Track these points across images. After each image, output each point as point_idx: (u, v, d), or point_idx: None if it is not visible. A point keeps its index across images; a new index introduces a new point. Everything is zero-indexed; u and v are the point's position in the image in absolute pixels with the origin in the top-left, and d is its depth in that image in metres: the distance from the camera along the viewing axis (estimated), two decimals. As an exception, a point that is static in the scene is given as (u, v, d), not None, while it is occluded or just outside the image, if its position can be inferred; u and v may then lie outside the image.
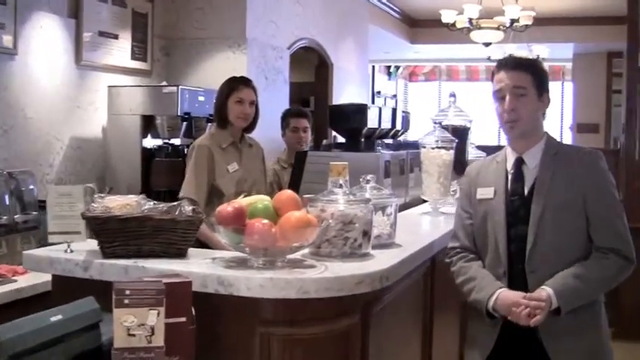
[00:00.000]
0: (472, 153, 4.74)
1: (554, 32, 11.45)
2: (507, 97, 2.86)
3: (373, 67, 15.24)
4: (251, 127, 4.39)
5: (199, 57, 6.68)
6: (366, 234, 2.53)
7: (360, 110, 4.11)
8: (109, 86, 5.80)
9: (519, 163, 2.97)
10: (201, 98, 5.73)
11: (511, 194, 2.95)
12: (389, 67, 16.92)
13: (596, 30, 11.43)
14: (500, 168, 3.02)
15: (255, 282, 2.18)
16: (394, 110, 4.58)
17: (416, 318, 3.25)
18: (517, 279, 2.88)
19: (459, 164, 4.19)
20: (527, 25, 8.28)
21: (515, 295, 2.79)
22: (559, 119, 16.24)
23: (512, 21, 8.09)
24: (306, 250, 2.46)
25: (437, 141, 3.91)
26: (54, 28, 5.38)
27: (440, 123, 4.04)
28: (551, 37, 11.41)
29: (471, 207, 3.07)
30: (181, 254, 2.46)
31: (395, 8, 11.75)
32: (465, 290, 2.99)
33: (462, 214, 3.12)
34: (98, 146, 5.84)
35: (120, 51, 6.06)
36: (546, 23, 10.36)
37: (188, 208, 2.52)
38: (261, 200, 2.42)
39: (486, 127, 15.86)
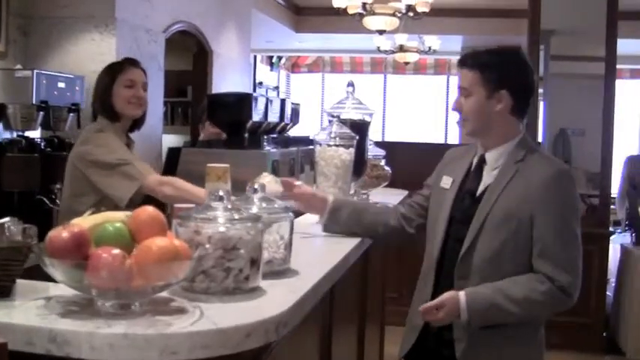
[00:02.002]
0: (371, 151, 4.20)
1: (445, 24, 11.09)
2: (457, 96, 2.78)
3: (255, 56, 14.63)
4: (141, 120, 3.62)
5: (61, 38, 5.92)
6: (255, 262, 1.93)
7: (244, 100, 3.50)
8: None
9: (481, 161, 2.80)
10: (61, 84, 5.04)
11: (465, 192, 2.80)
12: (271, 57, 16.32)
13: (487, 23, 11.13)
14: (465, 160, 2.88)
15: (102, 339, 1.55)
16: (283, 101, 3.98)
17: (312, 351, 2.67)
18: (445, 280, 2.73)
19: (359, 164, 3.66)
20: (424, 12, 7.81)
21: None
22: (444, 113, 16.00)
23: (409, 7, 7.58)
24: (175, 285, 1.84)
25: (334, 138, 3.34)
26: None
27: (338, 116, 3.46)
28: (441, 29, 11.04)
29: (431, 189, 2.96)
30: (4, 293, 1.80)
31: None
32: None
33: (421, 190, 3.05)
34: None
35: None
36: (437, 14, 9.96)
37: (15, 229, 1.85)
38: (112, 220, 1.78)
39: (376, 123, 15.61)
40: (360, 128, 3.69)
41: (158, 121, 6.48)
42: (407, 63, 11.48)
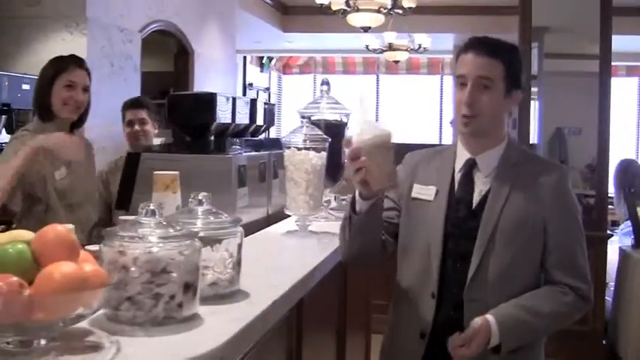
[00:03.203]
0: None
1: (435, 22, 10.82)
2: (469, 87, 2.37)
3: (245, 57, 14.35)
4: (81, 121, 3.52)
5: (31, 38, 5.67)
6: (190, 287, 1.66)
7: (207, 101, 3.22)
8: None
9: (470, 166, 2.49)
10: (25, 86, 4.79)
11: (457, 201, 2.47)
12: (262, 58, 16.02)
13: (477, 20, 10.87)
14: (446, 165, 2.54)
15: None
16: (253, 101, 3.71)
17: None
18: (448, 303, 2.42)
19: (334, 168, 3.41)
20: (410, 7, 7.51)
21: None
22: (438, 114, 15.76)
23: (394, 3, 7.28)
24: (99, 312, 1.58)
25: (305, 140, 3.08)
26: None
27: (309, 117, 3.20)
28: (431, 27, 10.76)
29: (399, 204, 2.58)
30: None
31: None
32: None
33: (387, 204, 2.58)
34: None
35: None
36: (427, 12, 9.71)
37: None
38: (14, 239, 1.51)
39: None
40: (335, 129, 3.45)
41: (135, 123, 6.24)
42: (397, 62, 11.19)
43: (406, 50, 10.59)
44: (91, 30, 5.62)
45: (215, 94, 3.22)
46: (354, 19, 7.50)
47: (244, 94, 13.65)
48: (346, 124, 3.59)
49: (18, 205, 3.29)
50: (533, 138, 6.84)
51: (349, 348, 3.64)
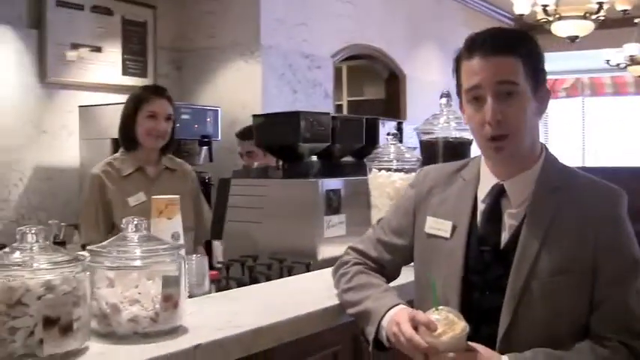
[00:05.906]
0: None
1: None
2: (489, 100, 1.81)
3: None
4: (168, 147, 3.48)
5: (209, 69, 5.81)
6: (54, 322, 1.46)
7: (291, 120, 3.01)
8: (80, 106, 4.95)
9: (498, 194, 1.92)
10: (185, 117, 4.83)
11: (479, 242, 1.90)
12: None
13: None
14: (466, 192, 1.98)
15: None
16: (364, 121, 3.44)
17: None
18: None
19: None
20: (624, 11, 6.73)
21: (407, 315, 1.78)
22: None
23: (600, 5, 6.47)
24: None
25: (390, 161, 2.77)
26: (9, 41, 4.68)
27: (394, 134, 2.84)
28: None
29: (406, 236, 2.08)
30: None
31: (493, 8, 10.29)
32: (353, 299, 2.00)
33: (383, 238, 2.13)
34: (74, 176, 5.01)
35: (106, 66, 5.21)
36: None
37: None
38: None
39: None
40: (457, 149, 3.07)
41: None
42: (645, 77, 10.19)
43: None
44: (266, 57, 5.59)
45: (299, 112, 3.00)
46: (558, 28, 6.84)
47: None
48: (471, 142, 3.20)
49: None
50: None
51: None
